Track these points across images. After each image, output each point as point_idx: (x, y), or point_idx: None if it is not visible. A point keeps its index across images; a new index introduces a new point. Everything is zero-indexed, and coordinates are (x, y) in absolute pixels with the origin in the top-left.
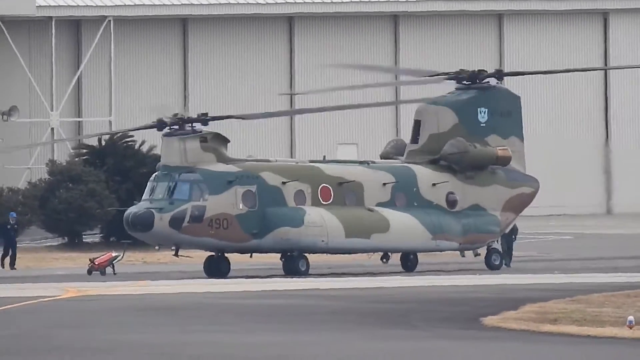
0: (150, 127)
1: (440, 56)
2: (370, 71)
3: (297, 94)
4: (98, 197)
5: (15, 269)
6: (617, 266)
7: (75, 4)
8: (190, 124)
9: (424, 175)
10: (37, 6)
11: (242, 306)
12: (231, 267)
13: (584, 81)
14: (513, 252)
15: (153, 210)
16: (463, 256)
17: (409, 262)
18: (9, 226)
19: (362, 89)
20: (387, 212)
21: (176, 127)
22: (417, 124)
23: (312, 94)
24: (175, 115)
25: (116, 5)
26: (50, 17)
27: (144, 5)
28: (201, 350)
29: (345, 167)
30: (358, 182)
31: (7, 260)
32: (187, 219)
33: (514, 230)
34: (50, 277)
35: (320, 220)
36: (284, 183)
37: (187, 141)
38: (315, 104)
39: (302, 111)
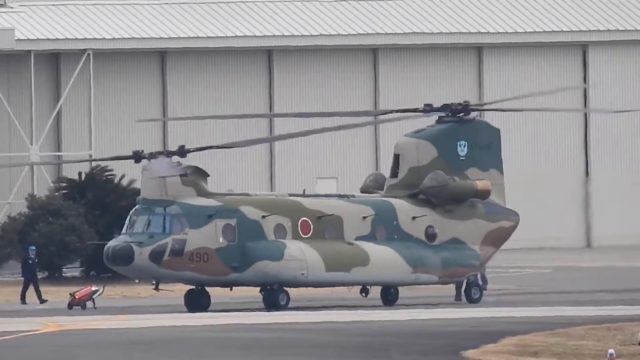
0: (127, 157)
1: (419, 89)
2: (351, 115)
3: (276, 116)
4: (78, 231)
5: (25, 302)
6: (598, 299)
7: (55, 37)
8: (169, 157)
9: (404, 208)
10: (16, 39)
11: (223, 339)
12: (211, 301)
13: (564, 113)
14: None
15: (132, 244)
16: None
17: (390, 296)
18: (30, 260)
19: (342, 116)
20: (367, 246)
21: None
22: (397, 158)
23: (291, 126)
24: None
25: (95, 39)
26: (29, 51)
27: (123, 38)
28: None
29: (325, 200)
30: (338, 215)
31: (31, 293)
32: (167, 252)
33: None
34: (31, 311)
35: (300, 254)
36: (263, 217)
37: (166, 175)
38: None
39: (282, 137)
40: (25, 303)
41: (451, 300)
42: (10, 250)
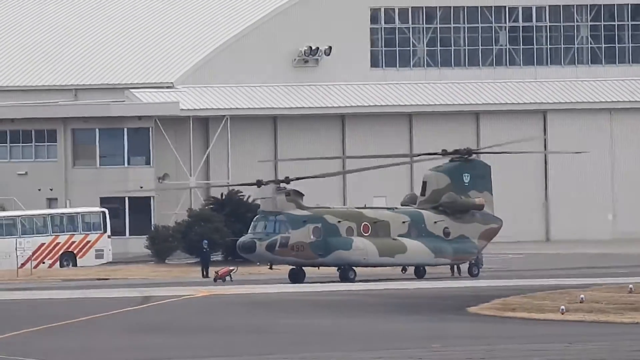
0: (252, 184)
1: (438, 139)
2: (395, 157)
3: (347, 157)
4: (220, 231)
5: (208, 277)
6: (554, 274)
7: (205, 107)
8: (279, 184)
9: (429, 216)
10: (180, 109)
11: (312, 300)
12: (306, 276)
13: (532, 155)
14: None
15: (255, 240)
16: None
17: (420, 272)
18: (204, 249)
19: (390, 157)
20: (405, 240)
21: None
22: (424, 184)
23: (356, 164)
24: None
25: (231, 108)
26: (189, 116)
27: (248, 108)
28: (283, 329)
29: (378, 211)
30: (386, 221)
31: (210, 272)
32: (277, 245)
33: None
34: (189, 283)
35: (363, 246)
36: (339, 222)
37: (277, 195)
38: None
39: (350, 171)
40: (208, 277)
41: (457, 276)
42: (177, 244)
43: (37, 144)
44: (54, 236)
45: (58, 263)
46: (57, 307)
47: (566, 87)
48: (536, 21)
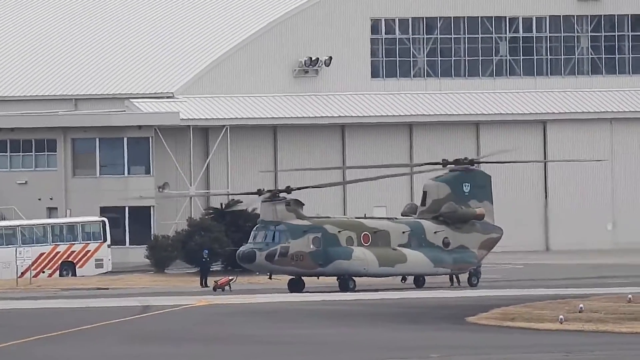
0: (252, 193)
1: (439, 149)
2: (396, 167)
3: (348, 168)
4: (220, 241)
5: (207, 286)
6: (553, 284)
7: (205, 117)
8: (278, 194)
9: (429, 226)
10: (180, 119)
11: (312, 310)
12: (305, 285)
13: (530, 165)
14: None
15: (255, 250)
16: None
17: (419, 282)
18: (204, 259)
19: (390, 167)
20: (405, 250)
21: (270, 195)
22: (425, 194)
23: (357, 174)
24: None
25: (231, 118)
26: (189, 126)
27: (248, 117)
28: (282, 339)
29: (378, 221)
30: (386, 231)
31: (210, 281)
32: (277, 255)
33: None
34: (189, 292)
35: (363, 256)
36: (339, 231)
37: (276, 205)
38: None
39: (351, 182)
40: (207, 286)
41: (457, 286)
42: (177, 253)
43: (37, 153)
44: (53, 245)
45: (58, 272)
46: (57, 317)
47: (566, 98)
48: (536, 32)
